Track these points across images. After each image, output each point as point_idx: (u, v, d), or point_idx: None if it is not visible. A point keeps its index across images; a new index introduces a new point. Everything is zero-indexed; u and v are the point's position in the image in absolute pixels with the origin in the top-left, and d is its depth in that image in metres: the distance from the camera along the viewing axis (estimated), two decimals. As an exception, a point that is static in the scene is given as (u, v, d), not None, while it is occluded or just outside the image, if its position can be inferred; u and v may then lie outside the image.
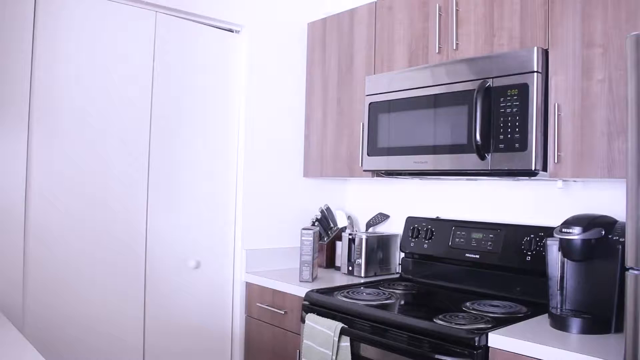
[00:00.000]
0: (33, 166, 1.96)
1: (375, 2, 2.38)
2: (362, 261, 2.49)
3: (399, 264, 2.55)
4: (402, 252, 2.49)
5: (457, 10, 2.04)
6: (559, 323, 1.64)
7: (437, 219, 2.40)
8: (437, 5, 2.10)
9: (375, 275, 2.52)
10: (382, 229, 2.72)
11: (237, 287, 2.53)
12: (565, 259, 1.70)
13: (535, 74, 1.74)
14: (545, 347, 1.45)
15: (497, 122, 1.81)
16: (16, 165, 1.91)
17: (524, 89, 1.75)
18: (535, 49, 1.75)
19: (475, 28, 1.99)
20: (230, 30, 2.56)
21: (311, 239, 2.31)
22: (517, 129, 1.76)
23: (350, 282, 2.37)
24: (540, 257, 1.91)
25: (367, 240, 2.50)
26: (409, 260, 2.47)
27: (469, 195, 2.39)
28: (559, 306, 1.71)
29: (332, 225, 2.78)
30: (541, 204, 2.12)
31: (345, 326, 1.87)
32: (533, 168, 1.73)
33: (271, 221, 2.63)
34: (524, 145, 1.74)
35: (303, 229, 2.35)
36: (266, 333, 2.38)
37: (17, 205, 1.92)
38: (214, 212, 2.48)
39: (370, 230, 2.71)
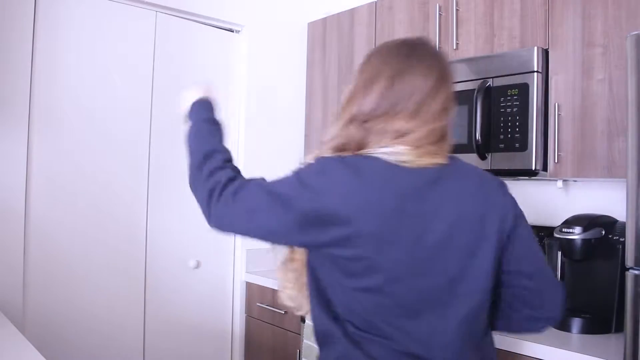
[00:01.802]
0: (33, 166, 1.96)
1: (376, 2, 2.38)
2: (362, 261, 2.48)
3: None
4: (402, 252, 2.49)
5: (457, 10, 2.04)
6: (559, 323, 1.64)
7: (437, 219, 2.40)
8: (437, 5, 2.10)
9: (376, 275, 2.51)
10: (382, 228, 2.71)
11: (237, 287, 2.53)
12: (566, 259, 1.70)
13: (535, 73, 1.74)
14: (545, 347, 1.45)
15: (497, 122, 1.81)
16: (16, 165, 1.91)
17: (524, 89, 1.75)
18: (536, 48, 1.75)
19: (476, 28, 1.99)
20: (230, 30, 2.56)
21: (311, 238, 2.31)
22: (517, 129, 1.76)
23: (350, 282, 2.36)
24: (541, 257, 1.91)
25: (367, 240, 2.49)
26: (409, 260, 2.46)
27: (469, 195, 2.38)
28: (559, 306, 1.71)
29: (332, 225, 2.77)
30: (541, 204, 2.12)
31: (346, 326, 1.86)
32: (533, 168, 1.73)
33: (271, 221, 2.62)
34: (524, 145, 1.74)
35: (303, 228, 2.34)
36: (266, 333, 2.38)
37: (18, 205, 1.91)
38: (214, 212, 2.47)
39: (370, 230, 2.70)
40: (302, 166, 1.00)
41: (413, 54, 1.02)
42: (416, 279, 0.96)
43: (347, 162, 0.96)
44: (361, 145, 0.99)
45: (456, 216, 0.98)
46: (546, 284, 1.07)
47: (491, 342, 1.12)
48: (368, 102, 1.00)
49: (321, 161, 0.98)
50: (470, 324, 1.01)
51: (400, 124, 0.97)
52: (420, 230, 0.95)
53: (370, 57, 1.07)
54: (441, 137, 1.00)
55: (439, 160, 0.99)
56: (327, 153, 1.01)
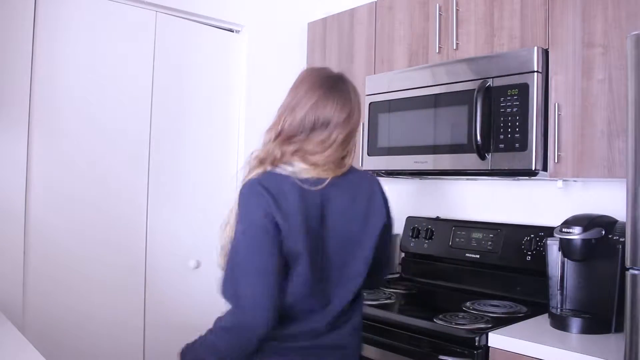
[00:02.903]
0: (33, 166, 1.95)
1: (376, 2, 2.38)
2: (362, 261, 2.49)
3: (399, 264, 2.55)
4: (402, 252, 2.49)
5: (457, 10, 2.04)
6: (559, 323, 1.64)
7: (437, 219, 2.40)
8: (437, 5, 2.10)
9: (375, 275, 2.51)
10: (382, 228, 2.71)
11: (237, 287, 2.52)
12: (566, 259, 1.70)
13: (535, 73, 1.74)
14: (545, 347, 1.45)
15: (497, 122, 1.81)
16: (16, 165, 1.91)
17: (524, 89, 1.75)
18: (536, 48, 1.75)
19: (476, 28, 1.99)
20: (230, 30, 2.56)
21: (311, 238, 2.31)
22: (517, 129, 1.76)
23: (350, 282, 2.36)
24: (540, 257, 1.92)
25: (367, 240, 2.49)
26: (409, 260, 2.47)
27: (469, 195, 2.38)
28: (559, 306, 1.71)
29: (332, 225, 2.77)
30: (541, 204, 2.12)
31: (346, 326, 1.86)
32: (533, 168, 1.73)
33: (271, 221, 2.62)
34: (524, 145, 1.74)
35: (303, 228, 2.34)
36: (266, 333, 2.37)
37: (18, 205, 1.91)
38: (214, 212, 2.46)
39: (370, 230, 2.70)
40: (238, 205, 1.24)
41: (334, 88, 1.27)
42: (322, 264, 1.24)
43: (264, 184, 1.21)
44: (275, 161, 1.24)
45: (348, 214, 1.27)
46: (388, 267, 1.51)
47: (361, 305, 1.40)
48: (293, 123, 1.26)
49: (245, 188, 1.24)
50: (353, 293, 1.29)
51: (311, 147, 1.24)
52: (321, 225, 1.23)
53: (299, 83, 1.31)
54: (340, 159, 1.28)
55: (335, 173, 1.25)
56: (253, 164, 1.28)
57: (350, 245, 1.28)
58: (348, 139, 1.28)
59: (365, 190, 1.34)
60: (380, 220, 1.32)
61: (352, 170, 1.33)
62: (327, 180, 1.23)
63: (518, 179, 2.12)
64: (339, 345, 1.30)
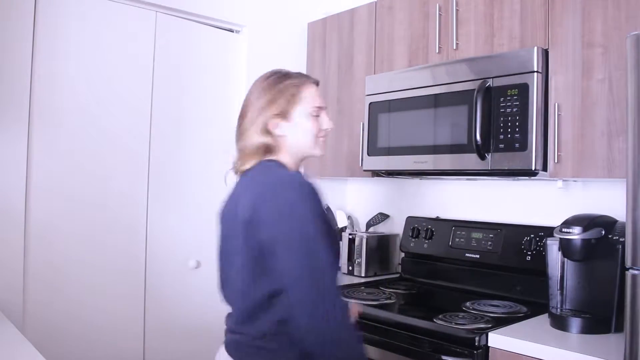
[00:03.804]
0: (33, 166, 1.95)
1: (375, 2, 2.38)
2: (363, 261, 2.49)
3: (399, 264, 2.55)
4: (402, 252, 2.49)
5: (457, 10, 2.04)
6: (559, 323, 1.64)
7: (437, 219, 2.40)
8: (437, 5, 2.10)
9: (376, 275, 2.52)
10: (382, 229, 2.72)
11: (237, 287, 2.52)
12: (565, 259, 1.70)
13: (535, 73, 1.74)
14: (545, 347, 1.45)
15: (497, 122, 1.81)
16: (16, 166, 1.91)
17: (524, 89, 1.75)
18: (535, 48, 1.75)
19: (475, 28, 1.99)
20: (231, 30, 2.56)
21: (311, 238, 2.31)
22: (517, 129, 1.76)
23: (350, 282, 2.36)
24: (540, 257, 1.92)
25: (367, 240, 2.50)
26: (409, 260, 2.47)
27: (469, 195, 2.38)
28: (559, 306, 1.71)
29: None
30: (541, 204, 2.12)
31: (346, 326, 1.86)
32: (533, 168, 1.73)
33: (271, 221, 2.62)
34: (524, 145, 1.74)
35: (303, 228, 2.34)
36: (266, 333, 2.37)
37: (17, 205, 1.91)
38: (214, 212, 2.47)
39: (371, 230, 2.71)
40: None
41: (251, 87, 1.39)
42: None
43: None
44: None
45: (229, 213, 1.33)
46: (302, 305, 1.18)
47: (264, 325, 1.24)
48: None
49: None
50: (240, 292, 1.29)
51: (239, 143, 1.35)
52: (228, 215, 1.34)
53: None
54: (241, 151, 1.34)
55: (240, 167, 1.33)
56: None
57: (227, 245, 1.35)
58: (239, 124, 1.38)
59: (251, 183, 1.26)
60: (244, 213, 1.20)
61: (261, 163, 1.29)
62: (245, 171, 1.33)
63: (518, 179, 2.12)
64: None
